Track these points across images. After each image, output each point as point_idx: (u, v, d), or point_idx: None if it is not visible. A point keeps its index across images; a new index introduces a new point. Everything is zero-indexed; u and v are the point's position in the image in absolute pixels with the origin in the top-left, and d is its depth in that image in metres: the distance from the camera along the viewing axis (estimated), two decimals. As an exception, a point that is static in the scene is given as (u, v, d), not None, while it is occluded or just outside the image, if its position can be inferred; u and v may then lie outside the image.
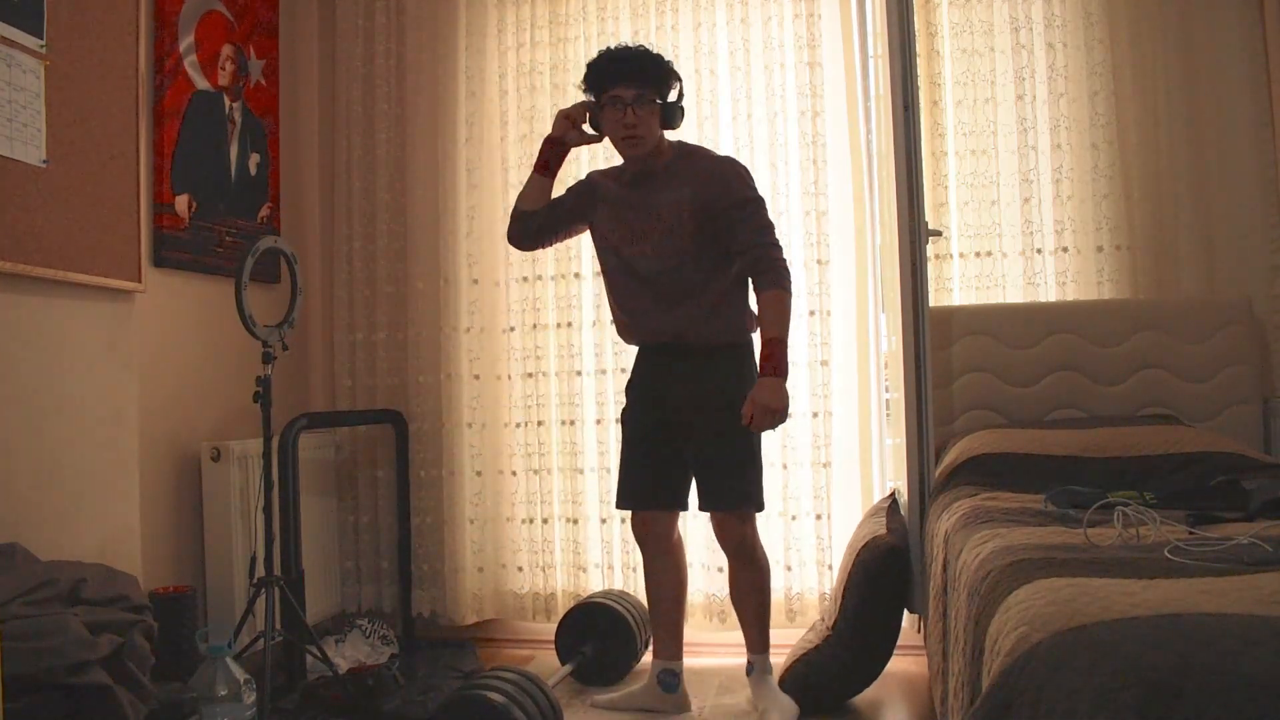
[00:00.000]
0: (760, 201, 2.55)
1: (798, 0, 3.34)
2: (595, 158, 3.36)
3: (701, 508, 2.64)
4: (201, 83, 3.05)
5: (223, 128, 3.17)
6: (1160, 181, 3.15)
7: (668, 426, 2.61)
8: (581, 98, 2.61)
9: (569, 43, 3.48)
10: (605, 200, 2.63)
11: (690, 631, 3.38)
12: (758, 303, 2.53)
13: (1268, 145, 3.07)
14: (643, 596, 3.33)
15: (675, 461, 2.63)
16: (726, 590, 3.27)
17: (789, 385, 2.49)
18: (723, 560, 3.27)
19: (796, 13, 3.35)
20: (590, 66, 2.54)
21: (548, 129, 3.44)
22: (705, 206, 2.50)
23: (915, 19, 2.92)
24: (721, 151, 2.79)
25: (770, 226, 2.56)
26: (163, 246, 2.85)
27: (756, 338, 2.59)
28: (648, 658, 3.15)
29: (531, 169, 2.66)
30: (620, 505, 2.73)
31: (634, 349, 2.76)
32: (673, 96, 2.54)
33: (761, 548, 2.67)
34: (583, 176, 2.83)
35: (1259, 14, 3.09)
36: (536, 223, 2.65)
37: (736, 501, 2.58)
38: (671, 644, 2.71)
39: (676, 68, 2.59)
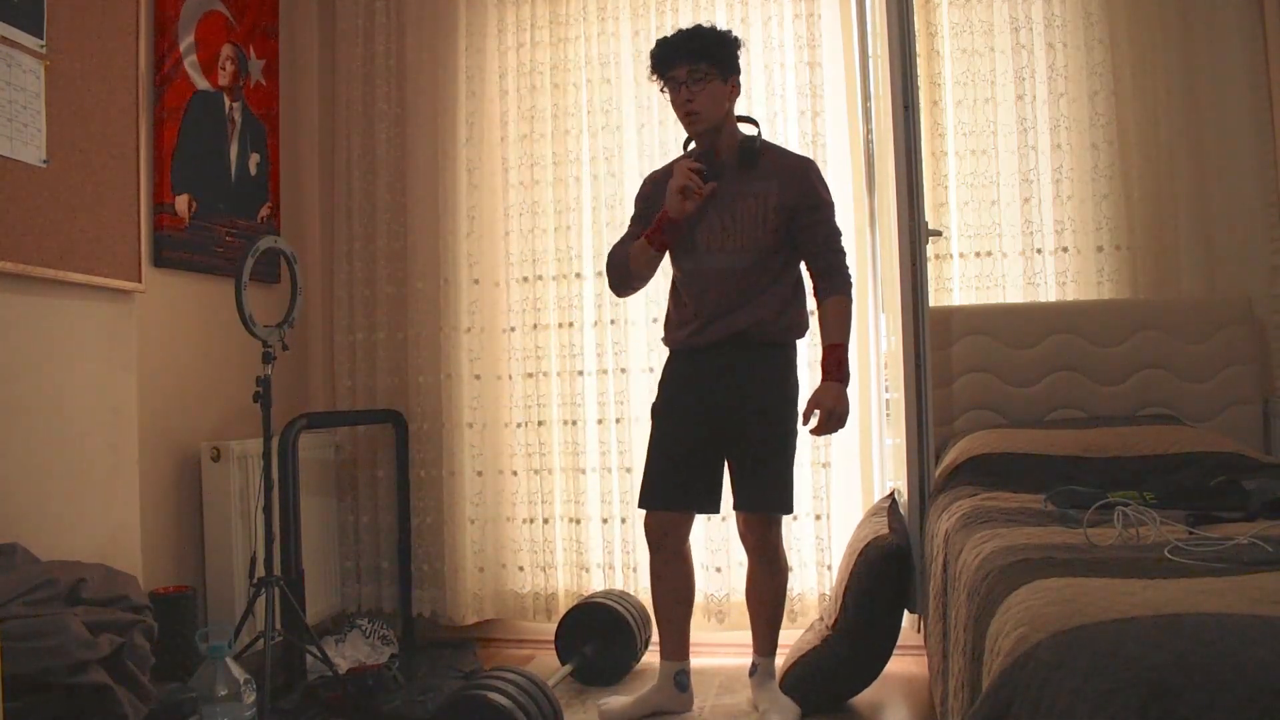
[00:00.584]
0: (833, 207, 2.60)
1: (798, 0, 3.35)
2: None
3: (736, 506, 2.61)
4: (201, 83, 3.05)
5: (223, 128, 3.17)
6: (1160, 181, 3.15)
7: (713, 425, 2.57)
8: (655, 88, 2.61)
9: (569, 43, 3.48)
10: None
11: (691, 630, 3.39)
12: (822, 308, 2.57)
13: (1268, 145, 3.07)
14: (644, 597, 3.33)
15: (715, 462, 2.61)
16: (725, 590, 3.28)
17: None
18: (722, 560, 3.29)
19: (796, 13, 3.35)
20: (651, 56, 2.56)
21: (548, 129, 3.48)
22: (788, 203, 2.51)
23: (915, 19, 2.92)
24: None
25: (840, 233, 2.60)
26: (163, 246, 2.85)
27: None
28: (649, 658, 3.16)
29: (644, 237, 2.57)
30: (649, 505, 2.62)
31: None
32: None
33: (784, 552, 2.68)
34: (642, 180, 2.79)
35: (1259, 14, 3.09)
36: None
37: (773, 504, 2.58)
38: (684, 645, 2.69)
39: (738, 39, 2.59)
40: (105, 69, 2.50)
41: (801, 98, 3.33)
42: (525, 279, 3.51)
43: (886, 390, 3.27)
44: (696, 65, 2.48)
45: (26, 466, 2.25)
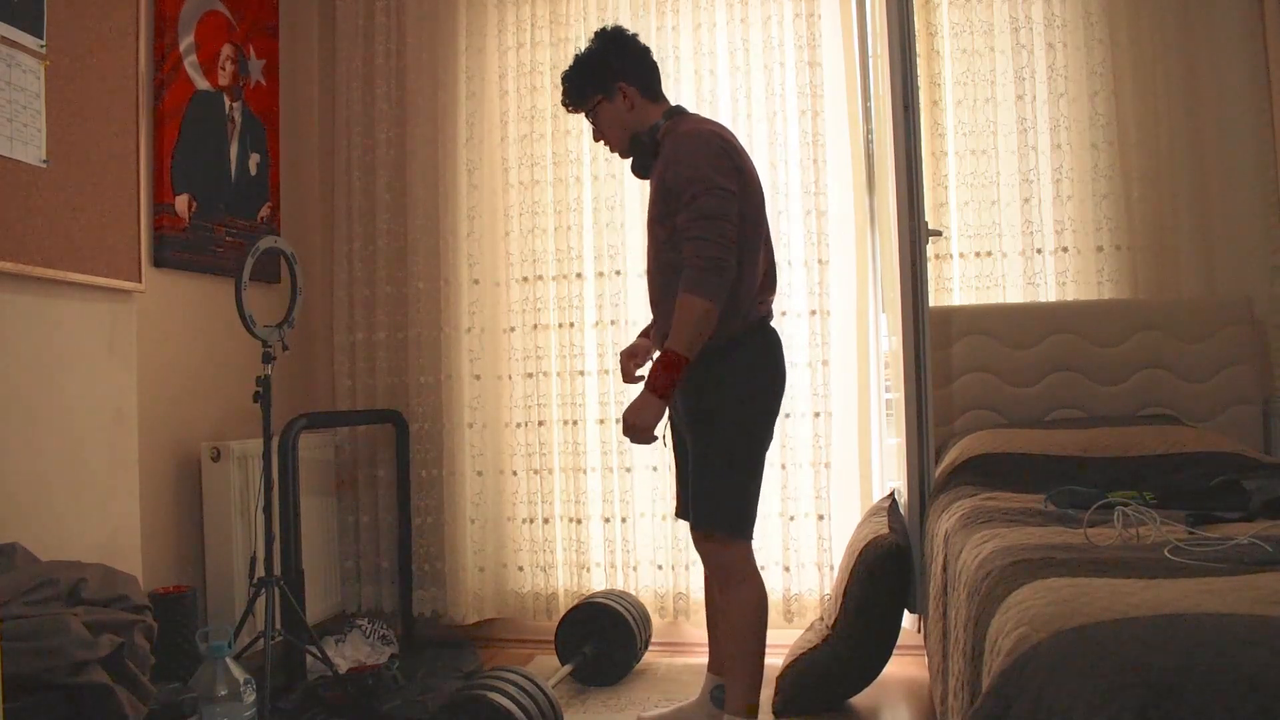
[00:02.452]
0: (703, 183, 2.17)
1: (798, 0, 3.35)
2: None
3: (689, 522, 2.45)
4: (201, 83, 3.05)
5: (223, 128, 3.17)
6: (1160, 181, 3.15)
7: (679, 436, 2.48)
8: None
9: (569, 43, 3.48)
10: None
11: (690, 629, 3.39)
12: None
13: (1268, 145, 3.07)
14: (644, 597, 3.36)
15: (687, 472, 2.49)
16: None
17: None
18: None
19: (796, 12, 3.35)
20: None
21: (548, 129, 3.49)
22: (663, 187, 2.27)
23: (915, 19, 2.92)
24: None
25: (707, 217, 2.15)
26: (163, 246, 2.85)
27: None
28: (649, 657, 3.16)
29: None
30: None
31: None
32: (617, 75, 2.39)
33: (743, 574, 2.31)
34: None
35: (1259, 14, 3.08)
36: None
37: (703, 520, 2.31)
38: (717, 655, 2.59)
39: (610, 41, 2.43)
40: (105, 69, 2.51)
41: (801, 98, 3.33)
42: (525, 279, 3.51)
43: (887, 390, 3.28)
44: (579, 102, 2.46)
45: (27, 466, 2.25)
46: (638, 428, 2.17)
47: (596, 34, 2.47)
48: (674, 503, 2.62)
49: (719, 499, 2.28)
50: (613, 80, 2.39)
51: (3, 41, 2.17)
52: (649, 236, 2.38)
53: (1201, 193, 3.11)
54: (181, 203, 2.93)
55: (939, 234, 3.00)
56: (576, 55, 2.47)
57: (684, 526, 3.31)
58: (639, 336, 2.61)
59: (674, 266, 2.24)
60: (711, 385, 2.27)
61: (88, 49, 2.45)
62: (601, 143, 2.50)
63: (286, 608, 2.66)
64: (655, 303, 2.39)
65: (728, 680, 2.33)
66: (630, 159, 2.47)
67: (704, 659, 3.09)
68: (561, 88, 2.48)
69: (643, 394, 2.17)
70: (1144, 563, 1.48)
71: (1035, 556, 1.55)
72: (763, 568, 2.67)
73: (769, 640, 2.37)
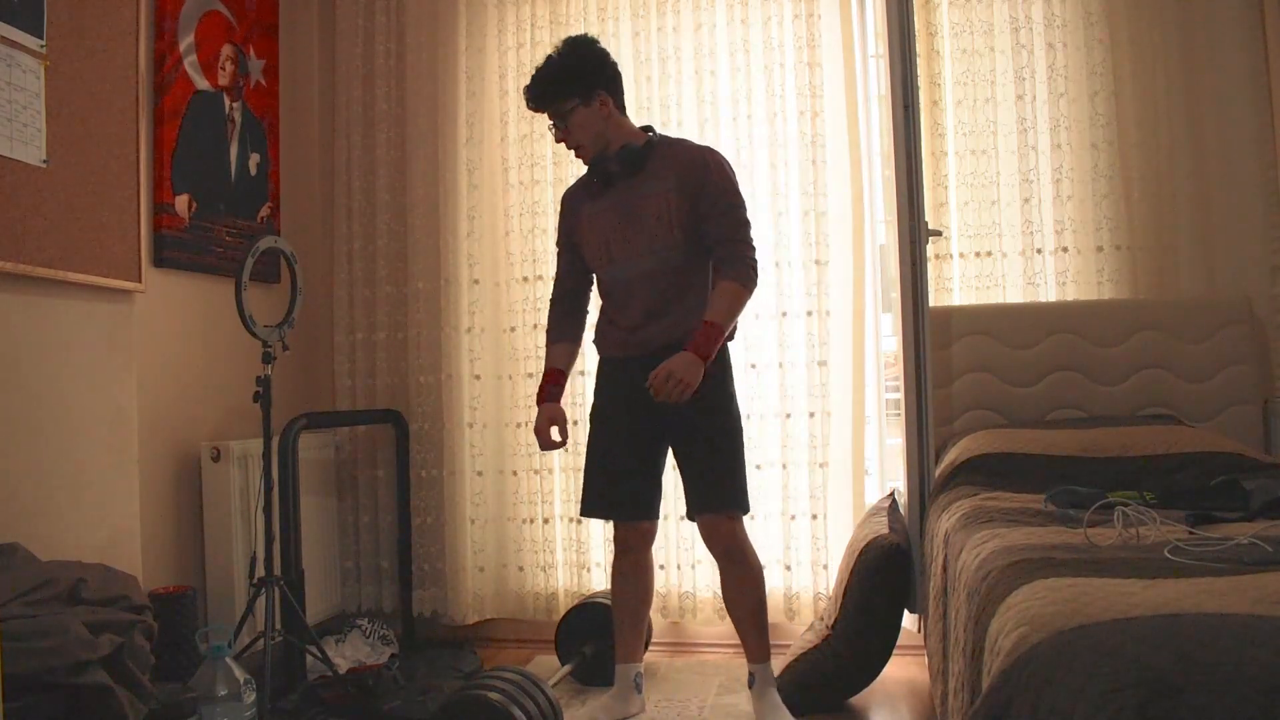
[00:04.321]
0: (737, 195, 2.50)
1: (798, 0, 3.35)
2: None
3: (697, 511, 2.55)
4: (201, 83, 3.05)
5: (223, 128, 3.17)
6: (1160, 181, 3.15)
7: (655, 433, 2.56)
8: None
9: (569, 43, 3.48)
10: (585, 214, 2.59)
11: (696, 628, 3.39)
12: (713, 290, 2.47)
13: (1268, 145, 3.07)
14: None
15: (658, 469, 2.62)
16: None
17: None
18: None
19: (796, 13, 3.35)
20: None
21: (547, 129, 3.47)
22: (689, 196, 2.46)
23: (915, 19, 2.92)
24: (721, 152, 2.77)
25: (747, 224, 2.49)
26: (163, 246, 2.85)
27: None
28: (649, 657, 3.16)
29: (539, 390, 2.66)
30: (603, 515, 2.71)
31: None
32: (597, 79, 2.50)
33: (753, 549, 2.58)
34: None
35: (1259, 14, 3.08)
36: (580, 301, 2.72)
37: (731, 501, 2.51)
38: (640, 647, 2.75)
39: (591, 49, 2.53)
40: (105, 69, 2.51)
41: (801, 98, 3.33)
42: (525, 279, 3.51)
43: (888, 390, 3.27)
44: (556, 105, 2.49)
45: (27, 466, 2.25)
46: (685, 382, 2.35)
47: (572, 41, 2.54)
48: (643, 505, 2.63)
49: (740, 480, 2.52)
50: (594, 88, 2.49)
51: (3, 41, 2.17)
52: (654, 240, 2.48)
53: (1201, 193, 3.11)
54: (181, 203, 2.93)
55: (939, 234, 3.00)
56: (550, 58, 2.52)
57: (684, 526, 3.31)
58: (547, 401, 2.62)
59: (687, 270, 2.48)
60: (719, 377, 2.49)
61: (88, 49, 2.45)
62: (563, 145, 2.56)
63: (286, 608, 2.66)
64: (655, 309, 2.49)
65: (758, 644, 2.55)
66: (590, 165, 2.56)
67: (705, 658, 3.09)
68: (535, 88, 2.51)
69: (688, 355, 2.36)
70: (1144, 563, 1.48)
71: (1035, 556, 1.55)
72: (765, 567, 2.68)
73: (769, 640, 2.54)
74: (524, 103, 2.58)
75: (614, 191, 2.54)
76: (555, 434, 2.60)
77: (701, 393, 2.43)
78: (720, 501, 2.51)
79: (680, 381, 2.34)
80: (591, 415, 2.67)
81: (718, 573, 3.23)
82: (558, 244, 2.72)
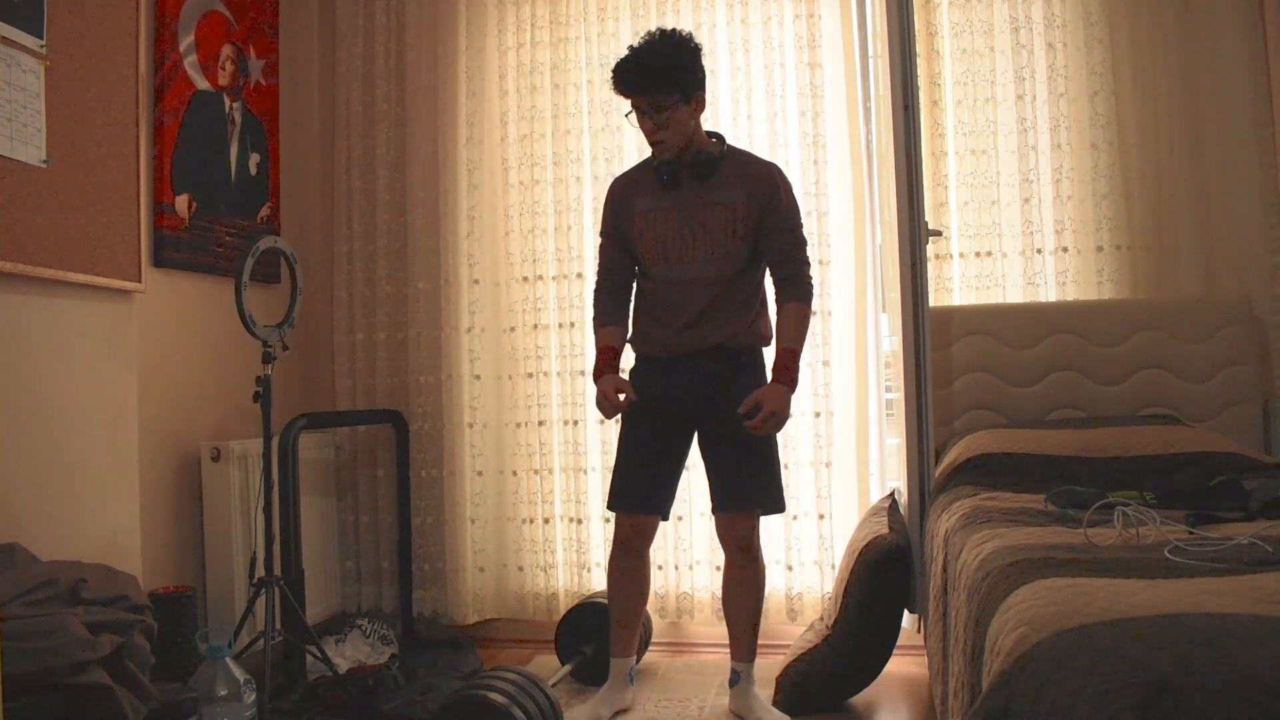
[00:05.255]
0: (799, 214, 2.62)
1: (798, 0, 3.35)
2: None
3: (722, 508, 2.58)
4: (201, 83, 3.05)
5: (223, 128, 3.17)
6: (1160, 181, 3.15)
7: (686, 432, 2.62)
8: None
9: (569, 43, 3.48)
10: (640, 209, 2.58)
11: (694, 628, 3.39)
12: (781, 311, 2.59)
13: (1268, 145, 3.06)
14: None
15: (679, 469, 2.67)
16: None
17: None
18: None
19: (796, 13, 3.35)
20: (612, 76, 2.49)
21: (548, 129, 3.49)
22: (756, 210, 2.52)
23: (915, 19, 2.92)
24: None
25: (805, 242, 2.62)
26: (163, 246, 2.85)
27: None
28: (649, 657, 3.15)
29: (595, 363, 2.63)
30: (620, 508, 2.66)
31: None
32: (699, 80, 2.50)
33: (762, 551, 2.64)
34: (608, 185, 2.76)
35: (1259, 14, 3.08)
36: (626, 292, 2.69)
37: (767, 500, 2.58)
38: (635, 642, 2.77)
39: (696, 47, 2.50)
40: (105, 69, 2.50)
41: (801, 98, 3.33)
42: (525, 279, 3.51)
43: (887, 390, 3.27)
44: (656, 94, 2.44)
45: (27, 466, 2.25)
46: (785, 417, 2.48)
47: (677, 36, 2.47)
48: (657, 502, 2.64)
49: (774, 480, 2.60)
50: (696, 88, 2.49)
51: (3, 41, 2.17)
52: (716, 248, 2.51)
53: (1201, 193, 3.11)
54: (181, 202, 2.93)
55: (939, 234, 3.00)
56: (648, 46, 2.44)
57: (684, 526, 3.32)
58: (607, 368, 2.59)
59: (742, 278, 2.54)
60: (761, 381, 2.58)
61: (88, 49, 2.44)
62: (659, 140, 2.48)
63: (286, 608, 2.66)
64: (708, 312, 2.53)
65: (750, 644, 2.60)
66: (663, 160, 2.52)
67: (703, 658, 3.09)
68: (638, 75, 2.43)
69: (780, 388, 2.48)
70: (1144, 563, 1.48)
71: (1035, 556, 1.55)
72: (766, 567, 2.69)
73: (770, 639, 2.51)
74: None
75: (679, 194, 2.54)
76: (622, 397, 2.55)
77: (739, 395, 2.50)
78: (750, 500, 2.57)
79: (779, 420, 2.47)
80: (626, 414, 2.63)
81: (717, 572, 3.27)
82: (603, 234, 2.70)
